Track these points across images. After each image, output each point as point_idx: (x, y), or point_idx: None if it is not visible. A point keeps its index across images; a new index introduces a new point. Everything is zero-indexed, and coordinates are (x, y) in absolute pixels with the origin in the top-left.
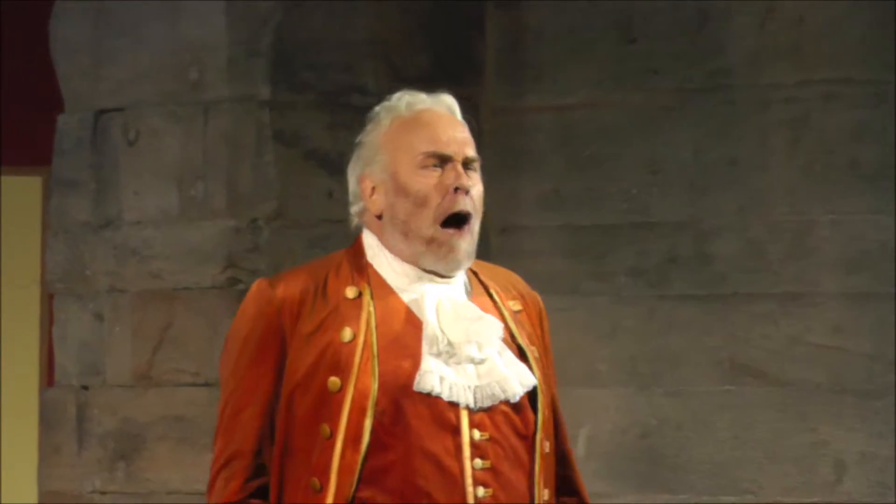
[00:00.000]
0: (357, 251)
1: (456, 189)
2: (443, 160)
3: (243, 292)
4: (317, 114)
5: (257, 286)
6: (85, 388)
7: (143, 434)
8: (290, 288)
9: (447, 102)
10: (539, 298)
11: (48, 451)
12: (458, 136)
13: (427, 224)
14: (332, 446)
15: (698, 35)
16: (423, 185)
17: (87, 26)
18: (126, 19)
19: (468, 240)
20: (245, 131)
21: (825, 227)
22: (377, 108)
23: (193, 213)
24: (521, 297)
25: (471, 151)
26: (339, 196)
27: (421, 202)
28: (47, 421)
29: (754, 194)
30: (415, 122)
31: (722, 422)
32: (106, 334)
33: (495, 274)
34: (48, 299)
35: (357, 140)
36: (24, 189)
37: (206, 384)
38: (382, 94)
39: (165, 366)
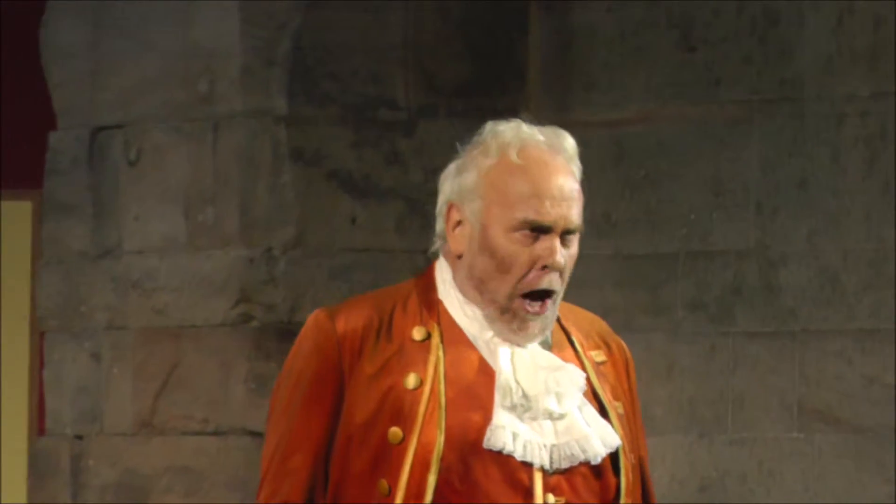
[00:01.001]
0: (428, 284)
1: (544, 266)
2: (540, 230)
3: (257, 330)
4: (339, 130)
5: (315, 317)
6: (79, 437)
7: (145, 487)
8: (351, 321)
9: (565, 145)
10: (625, 346)
11: None
12: (563, 203)
13: (505, 293)
14: None
15: (765, 41)
16: (512, 252)
17: (84, 29)
18: (128, 23)
19: (546, 316)
20: (260, 149)
21: None
22: (490, 127)
23: (202, 241)
24: (606, 346)
25: (574, 221)
26: (362, 222)
27: (505, 269)
28: (38, 474)
29: (827, 219)
30: (523, 173)
31: (791, 472)
32: (104, 377)
33: (577, 317)
34: (39, 338)
35: (460, 151)
36: (11, 215)
37: (216, 432)
38: (413, 108)
39: (170, 412)
